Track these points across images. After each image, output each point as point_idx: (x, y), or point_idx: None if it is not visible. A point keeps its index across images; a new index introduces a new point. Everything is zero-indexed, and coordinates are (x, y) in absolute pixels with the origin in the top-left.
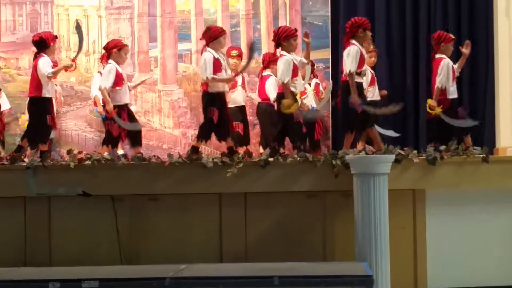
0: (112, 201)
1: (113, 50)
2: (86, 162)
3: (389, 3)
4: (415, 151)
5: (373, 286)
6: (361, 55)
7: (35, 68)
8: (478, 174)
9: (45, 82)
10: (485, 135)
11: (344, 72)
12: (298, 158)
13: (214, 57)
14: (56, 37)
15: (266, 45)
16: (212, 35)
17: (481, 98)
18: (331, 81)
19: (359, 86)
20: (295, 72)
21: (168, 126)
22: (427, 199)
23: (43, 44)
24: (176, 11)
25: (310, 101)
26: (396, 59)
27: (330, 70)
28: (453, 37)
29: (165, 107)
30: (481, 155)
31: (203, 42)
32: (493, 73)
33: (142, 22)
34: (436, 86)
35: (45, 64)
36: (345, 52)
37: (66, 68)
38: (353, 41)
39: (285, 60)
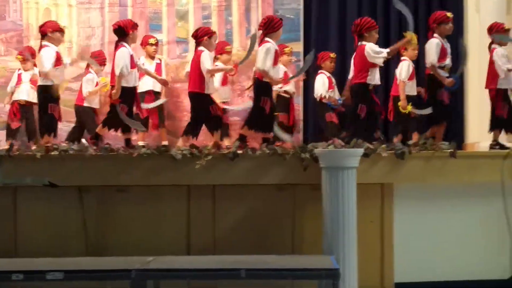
0: (79, 192)
1: (205, 38)
2: (53, 153)
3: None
4: (383, 145)
5: (340, 279)
6: None
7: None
8: (445, 168)
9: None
10: (454, 130)
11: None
12: (267, 151)
13: (276, 50)
14: (136, 24)
15: (238, 37)
16: (275, 26)
17: (452, 95)
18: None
19: None
20: None
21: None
22: (395, 193)
23: (122, 32)
24: (147, 2)
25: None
26: None
27: (301, 63)
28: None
29: None
30: (449, 150)
31: (174, 32)
32: (462, 70)
33: (113, 11)
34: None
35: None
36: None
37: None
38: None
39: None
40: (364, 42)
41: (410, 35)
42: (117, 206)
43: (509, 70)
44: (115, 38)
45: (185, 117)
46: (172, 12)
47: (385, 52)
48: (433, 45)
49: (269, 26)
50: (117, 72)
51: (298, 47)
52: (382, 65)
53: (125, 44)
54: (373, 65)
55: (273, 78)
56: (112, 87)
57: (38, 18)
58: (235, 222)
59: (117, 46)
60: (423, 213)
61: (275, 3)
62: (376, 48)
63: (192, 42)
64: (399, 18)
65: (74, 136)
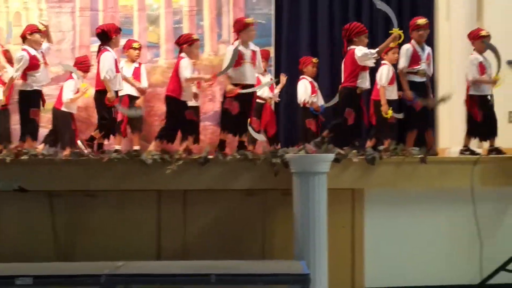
0: (49, 197)
1: (184, 45)
2: (23, 157)
3: (332, 3)
4: (354, 151)
5: (310, 284)
6: None
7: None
8: (416, 174)
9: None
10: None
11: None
12: (238, 156)
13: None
14: (119, 29)
15: (209, 42)
16: (240, 27)
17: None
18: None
19: None
20: None
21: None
22: (366, 198)
23: (105, 36)
24: (118, 6)
25: (319, 100)
26: (337, 53)
27: (273, 67)
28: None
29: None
30: (419, 156)
31: (145, 37)
32: (433, 77)
33: (84, 16)
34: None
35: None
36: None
37: None
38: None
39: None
40: (353, 47)
41: (397, 32)
42: (87, 211)
43: (474, 81)
44: (86, 42)
45: (156, 122)
46: (143, 16)
47: (374, 52)
48: (403, 50)
49: (236, 28)
50: (102, 76)
51: (270, 51)
52: (373, 65)
53: (108, 48)
54: (364, 69)
55: (229, 79)
56: (99, 91)
57: (8, 22)
58: (205, 227)
59: (100, 51)
60: (393, 218)
61: (247, 8)
62: (365, 50)
63: (163, 47)
64: (370, 20)
65: (50, 139)
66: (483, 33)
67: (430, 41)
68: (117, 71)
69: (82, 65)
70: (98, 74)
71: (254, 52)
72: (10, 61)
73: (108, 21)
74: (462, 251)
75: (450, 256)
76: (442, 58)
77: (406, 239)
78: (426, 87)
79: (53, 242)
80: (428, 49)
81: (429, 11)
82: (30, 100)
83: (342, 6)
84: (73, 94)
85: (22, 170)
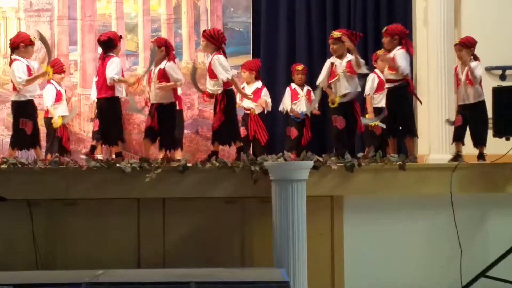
0: (28, 205)
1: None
2: (2, 166)
3: (310, 11)
4: (333, 158)
5: None
6: None
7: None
8: (395, 181)
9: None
10: (403, 143)
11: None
12: (217, 164)
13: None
14: (121, 37)
15: (188, 50)
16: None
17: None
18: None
19: None
20: None
21: (87, 130)
22: (344, 205)
23: (111, 44)
24: (96, 15)
25: (302, 107)
26: (316, 60)
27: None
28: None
29: (84, 111)
30: (398, 163)
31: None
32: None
33: (62, 25)
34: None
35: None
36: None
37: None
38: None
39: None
40: (348, 56)
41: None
42: (66, 219)
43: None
44: (65, 51)
45: (135, 130)
46: (122, 25)
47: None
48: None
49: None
50: (111, 78)
51: (248, 59)
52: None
53: (113, 54)
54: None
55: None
56: (107, 98)
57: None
58: (185, 235)
59: (106, 57)
60: (373, 225)
61: (224, 16)
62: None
63: (141, 55)
64: (347, 28)
65: (53, 148)
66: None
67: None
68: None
69: (54, 68)
70: (103, 81)
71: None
72: None
73: (87, 30)
74: (441, 258)
75: (430, 262)
76: (420, 63)
77: (386, 246)
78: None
79: (33, 251)
80: None
81: (406, 17)
82: (25, 110)
83: (320, 14)
84: (53, 100)
85: (1, 179)
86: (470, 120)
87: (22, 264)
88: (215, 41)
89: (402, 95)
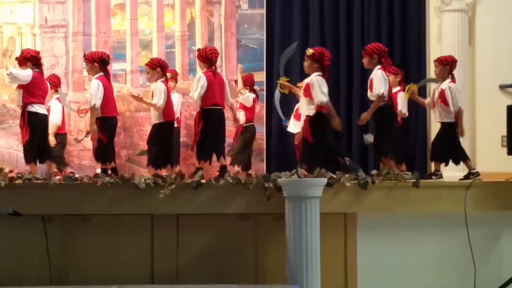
0: (42, 220)
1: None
2: (17, 181)
3: (323, 29)
4: (346, 175)
5: None
6: None
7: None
8: (408, 198)
9: None
10: (417, 160)
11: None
12: (231, 180)
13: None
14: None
15: None
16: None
17: (413, 124)
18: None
19: None
20: None
21: None
22: (358, 222)
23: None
24: (111, 31)
25: None
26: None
27: (265, 92)
28: None
29: None
30: (412, 180)
31: (137, 62)
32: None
33: (77, 41)
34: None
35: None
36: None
37: None
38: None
39: None
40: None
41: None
42: (80, 234)
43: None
44: (79, 67)
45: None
46: (136, 41)
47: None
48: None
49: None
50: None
51: (261, 76)
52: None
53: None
54: None
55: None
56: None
57: (2, 46)
58: (198, 251)
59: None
60: (387, 243)
61: (238, 33)
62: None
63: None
64: (362, 46)
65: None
66: None
67: (421, 64)
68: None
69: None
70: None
71: None
72: None
73: (101, 46)
74: (455, 276)
75: (444, 280)
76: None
77: (399, 264)
78: None
79: (47, 266)
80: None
81: (420, 35)
82: (43, 123)
83: (334, 32)
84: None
85: (16, 194)
86: (436, 136)
87: (36, 279)
88: (203, 59)
89: (384, 115)
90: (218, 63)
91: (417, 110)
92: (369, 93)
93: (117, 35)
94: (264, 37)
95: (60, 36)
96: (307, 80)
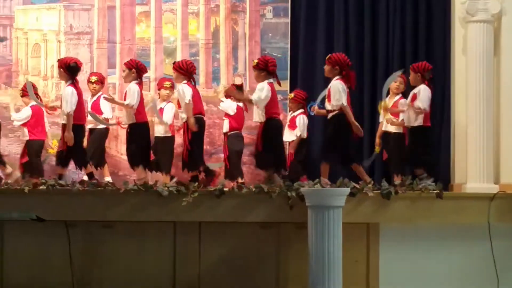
0: (66, 227)
1: None
2: (41, 187)
3: (348, 38)
4: (370, 185)
5: None
6: None
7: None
8: (432, 209)
9: None
10: (440, 171)
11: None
12: (254, 189)
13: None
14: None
15: (225, 75)
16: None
17: (438, 135)
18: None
19: None
20: None
21: (124, 152)
22: (381, 233)
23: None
24: (135, 38)
25: None
26: (353, 91)
27: (287, 101)
28: None
29: (122, 134)
30: (435, 191)
31: (161, 69)
32: (449, 111)
33: (102, 48)
34: None
35: None
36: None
37: None
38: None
39: None
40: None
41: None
42: (103, 241)
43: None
44: (104, 74)
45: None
46: (160, 49)
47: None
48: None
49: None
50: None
51: (285, 86)
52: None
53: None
54: None
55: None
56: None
57: (27, 53)
58: (220, 259)
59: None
60: (409, 254)
61: (263, 42)
62: None
63: None
64: (386, 57)
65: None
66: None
67: (446, 75)
68: None
69: None
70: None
71: None
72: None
73: (126, 54)
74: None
75: None
76: (458, 91)
77: (422, 275)
78: None
79: (69, 272)
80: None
81: (445, 45)
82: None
83: (358, 41)
84: None
85: (40, 200)
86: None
87: (58, 285)
88: (183, 71)
89: (339, 123)
90: (241, 71)
91: (442, 118)
92: (326, 103)
93: (141, 42)
94: (288, 46)
95: (85, 43)
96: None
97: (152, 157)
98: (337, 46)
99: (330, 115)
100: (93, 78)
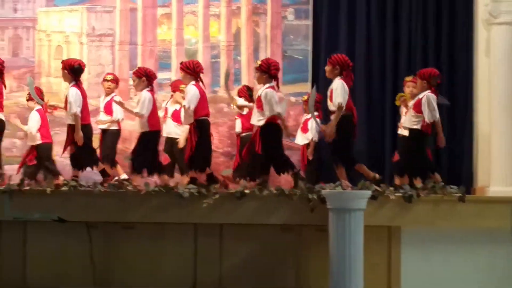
0: (87, 227)
1: None
2: (63, 188)
3: (369, 41)
4: (391, 188)
5: None
6: None
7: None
8: (454, 213)
9: None
10: (463, 174)
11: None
12: (275, 191)
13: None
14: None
15: (246, 77)
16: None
17: (460, 138)
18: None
19: None
20: None
21: None
22: (402, 236)
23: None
24: (157, 40)
25: None
26: (375, 94)
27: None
28: None
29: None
30: (458, 195)
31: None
32: (471, 113)
33: (123, 50)
34: None
35: None
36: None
37: None
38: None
39: None
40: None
41: None
42: (124, 242)
43: None
44: (125, 76)
45: None
46: (182, 51)
47: None
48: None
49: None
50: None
51: (306, 87)
52: None
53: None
54: None
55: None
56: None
57: (50, 55)
58: (241, 261)
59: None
60: (431, 257)
61: (284, 44)
62: None
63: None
64: (408, 58)
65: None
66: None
67: (468, 77)
68: None
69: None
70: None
71: None
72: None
73: (147, 55)
74: None
75: None
76: (481, 93)
77: (444, 279)
78: None
79: (90, 273)
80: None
81: (468, 48)
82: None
83: (380, 46)
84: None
85: (61, 201)
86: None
87: (79, 286)
88: (190, 71)
89: (344, 125)
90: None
91: (465, 121)
92: (329, 103)
93: (163, 44)
94: (310, 48)
95: (107, 45)
96: (258, 93)
97: (167, 160)
98: (358, 49)
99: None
100: (109, 77)
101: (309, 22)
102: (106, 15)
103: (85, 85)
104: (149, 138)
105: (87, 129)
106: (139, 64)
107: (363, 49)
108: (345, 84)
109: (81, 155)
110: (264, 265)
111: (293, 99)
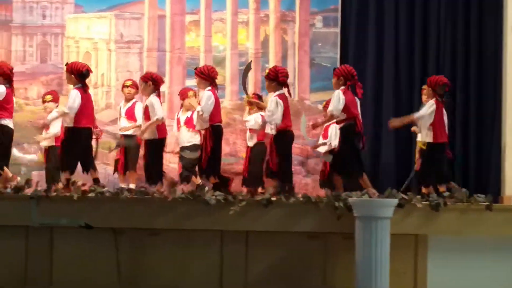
0: (113, 234)
1: None
2: (90, 194)
3: (398, 49)
4: (418, 196)
5: None
6: None
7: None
8: (481, 221)
9: None
10: (490, 183)
11: None
12: (301, 199)
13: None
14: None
15: None
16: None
17: (488, 146)
18: None
19: None
20: None
21: (173, 161)
22: (429, 245)
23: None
24: (185, 47)
25: None
26: (403, 102)
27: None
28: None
29: (170, 142)
30: (485, 203)
31: None
32: (500, 121)
33: (152, 57)
34: None
35: None
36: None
37: None
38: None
39: None
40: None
41: None
42: (150, 248)
43: None
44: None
45: None
46: (210, 58)
47: None
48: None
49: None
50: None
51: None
52: None
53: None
54: None
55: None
56: None
57: (79, 61)
58: (267, 268)
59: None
60: (458, 266)
61: (312, 51)
62: None
63: (228, 88)
64: (436, 61)
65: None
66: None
67: (497, 83)
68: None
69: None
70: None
71: None
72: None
73: (175, 62)
74: None
75: None
76: (510, 102)
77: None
78: None
79: (116, 278)
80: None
81: (496, 54)
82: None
83: (408, 53)
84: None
85: (88, 207)
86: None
87: None
88: (205, 76)
89: (345, 134)
90: (290, 81)
91: (493, 129)
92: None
93: (191, 51)
94: (338, 56)
95: (135, 51)
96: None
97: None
98: (387, 56)
99: (339, 127)
100: (128, 82)
101: (337, 29)
102: (134, 22)
103: (113, 92)
104: (156, 145)
105: (89, 132)
106: (167, 71)
107: (391, 57)
108: (342, 94)
109: (64, 157)
110: (290, 273)
111: (320, 106)
